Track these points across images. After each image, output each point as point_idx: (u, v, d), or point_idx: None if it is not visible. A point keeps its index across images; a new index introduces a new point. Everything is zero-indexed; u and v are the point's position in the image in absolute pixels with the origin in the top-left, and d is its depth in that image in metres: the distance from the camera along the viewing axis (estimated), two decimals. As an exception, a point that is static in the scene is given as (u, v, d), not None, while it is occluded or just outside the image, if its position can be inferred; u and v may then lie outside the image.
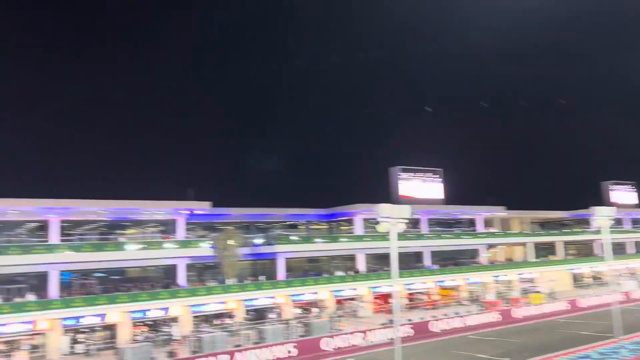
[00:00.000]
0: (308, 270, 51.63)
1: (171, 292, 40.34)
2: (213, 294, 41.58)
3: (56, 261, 37.85)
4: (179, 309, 40.06)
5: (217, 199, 45.30)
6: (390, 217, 21.71)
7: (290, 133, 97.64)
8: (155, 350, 33.70)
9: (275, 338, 35.43)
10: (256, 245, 47.82)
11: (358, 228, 53.92)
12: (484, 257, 63.16)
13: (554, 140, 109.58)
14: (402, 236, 42.36)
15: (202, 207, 44.50)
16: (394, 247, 22.01)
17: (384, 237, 38.21)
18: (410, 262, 56.35)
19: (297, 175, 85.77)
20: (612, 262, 37.53)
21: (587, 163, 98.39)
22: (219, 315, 42.31)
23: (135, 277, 43.39)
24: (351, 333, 36.74)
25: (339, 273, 51.00)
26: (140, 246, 40.87)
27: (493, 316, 44.42)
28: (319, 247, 50.50)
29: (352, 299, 50.02)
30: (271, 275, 47.68)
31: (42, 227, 39.96)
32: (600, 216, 31.94)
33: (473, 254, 62.52)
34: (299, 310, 46.30)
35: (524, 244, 68.59)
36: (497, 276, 59.63)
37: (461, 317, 42.81)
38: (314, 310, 46.73)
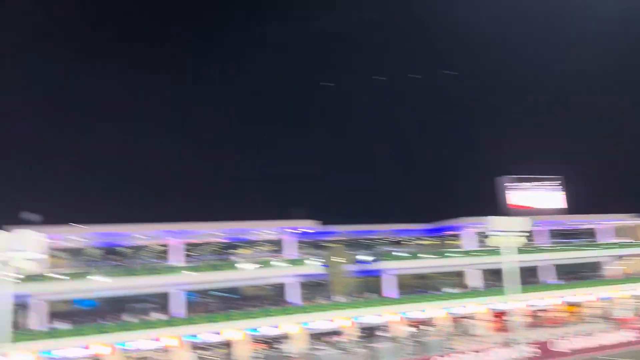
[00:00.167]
0: (415, 286, 50.30)
1: (282, 310, 41.32)
2: (323, 311, 41.90)
3: (178, 282, 40.50)
4: (292, 327, 40.82)
5: (321, 216, 45.98)
6: (504, 229, 20.45)
7: (386, 146, 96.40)
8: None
9: (388, 357, 34.75)
10: (362, 262, 47.60)
11: (466, 242, 51.68)
12: (611, 269, 57.32)
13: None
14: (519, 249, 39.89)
15: (310, 226, 45.37)
16: (509, 261, 20.65)
17: (497, 251, 36.50)
18: (527, 277, 52.67)
19: (396, 189, 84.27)
20: None
21: None
22: (329, 333, 42.47)
23: (248, 295, 45.11)
24: (464, 352, 35.01)
25: (447, 289, 49.07)
26: (255, 266, 42.53)
27: (628, 335, 40.03)
28: (426, 263, 49.04)
29: (465, 317, 47.76)
30: (377, 292, 47.17)
31: (163, 250, 43.16)
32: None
33: (594, 266, 57.04)
34: (410, 328, 45.13)
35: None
36: (632, 290, 53.69)
37: (591, 336, 39.10)
38: (426, 328, 45.26)
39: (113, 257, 42.36)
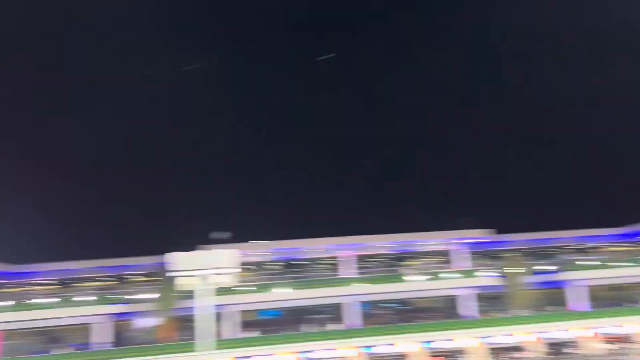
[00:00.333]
0: (608, 298, 44.77)
1: (458, 323, 40.08)
2: (504, 325, 39.65)
3: (350, 293, 41.66)
4: (470, 340, 39.21)
5: (496, 225, 43.74)
6: None
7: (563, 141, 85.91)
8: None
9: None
10: (543, 273, 43.92)
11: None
12: None
13: None
14: None
15: (482, 235, 43.49)
16: None
17: None
18: None
19: (571, 193, 74.77)
20: None
21: None
22: (510, 349, 39.87)
23: (419, 307, 44.55)
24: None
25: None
26: (425, 277, 41.98)
27: None
28: (622, 272, 43.44)
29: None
30: (561, 304, 43.10)
31: (335, 262, 44.78)
32: None
33: None
34: (606, 345, 40.32)
35: None
36: None
37: None
38: (625, 345, 40.03)
39: (290, 270, 45.20)
